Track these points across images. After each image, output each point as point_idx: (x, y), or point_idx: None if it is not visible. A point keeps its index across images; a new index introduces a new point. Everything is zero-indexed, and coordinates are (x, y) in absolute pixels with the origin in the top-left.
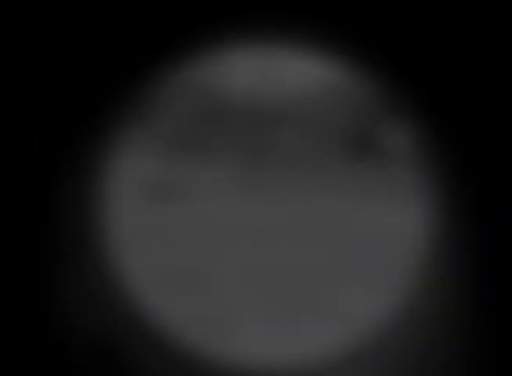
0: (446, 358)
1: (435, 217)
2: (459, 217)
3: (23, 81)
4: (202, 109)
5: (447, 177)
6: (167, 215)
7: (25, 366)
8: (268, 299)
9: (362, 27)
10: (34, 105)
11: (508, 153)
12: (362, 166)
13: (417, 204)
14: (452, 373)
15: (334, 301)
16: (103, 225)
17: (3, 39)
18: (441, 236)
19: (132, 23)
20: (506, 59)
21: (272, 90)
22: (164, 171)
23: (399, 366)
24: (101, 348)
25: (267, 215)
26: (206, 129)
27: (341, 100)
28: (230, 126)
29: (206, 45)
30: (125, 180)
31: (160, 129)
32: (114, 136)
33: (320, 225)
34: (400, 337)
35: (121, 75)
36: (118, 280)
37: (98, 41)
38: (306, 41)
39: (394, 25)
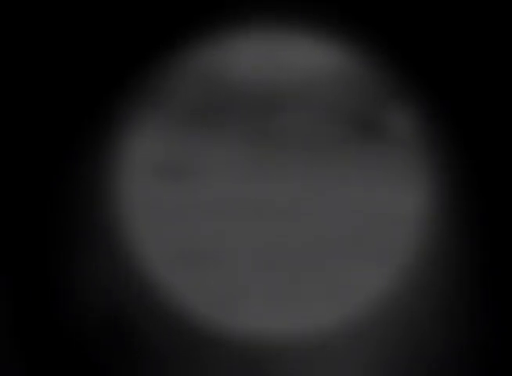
0: (444, 331)
1: (436, 197)
2: (459, 197)
3: (32, 70)
4: (210, 92)
5: (448, 160)
6: (178, 193)
7: (39, 341)
8: (274, 273)
9: (368, 12)
10: (47, 90)
11: (507, 139)
12: (367, 148)
13: (419, 185)
14: (449, 345)
15: (338, 276)
16: (116, 204)
17: (11, 30)
18: (440, 215)
19: (137, 10)
20: (508, 51)
21: (278, 74)
22: (173, 152)
23: (398, 339)
24: (113, 322)
25: (273, 193)
26: (214, 111)
27: (347, 84)
28: (237, 108)
29: (212, 30)
30: (136, 160)
31: (170, 111)
32: (125, 118)
33: (325, 203)
34: (399, 311)
35: (130, 59)
36: (130, 256)
37: (105, 28)
38: (312, 26)
39: (400, 10)
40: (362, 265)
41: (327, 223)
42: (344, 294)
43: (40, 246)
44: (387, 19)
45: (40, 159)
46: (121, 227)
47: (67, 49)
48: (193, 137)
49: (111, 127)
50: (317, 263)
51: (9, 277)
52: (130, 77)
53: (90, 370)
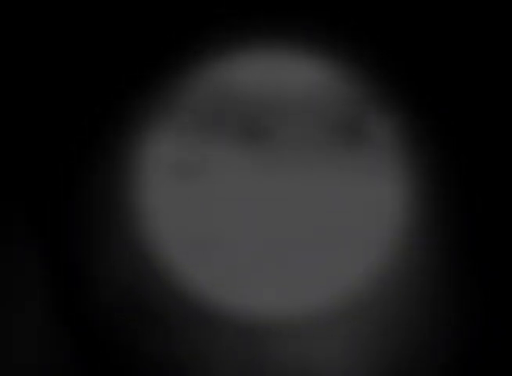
0: (427, 313)
1: (415, 192)
2: (437, 194)
3: (57, 73)
4: (217, 101)
5: (427, 159)
6: (189, 188)
7: (59, 315)
8: (272, 258)
9: (354, 27)
10: (72, 92)
11: (487, 141)
12: (351, 149)
13: (399, 182)
14: (435, 326)
15: (328, 261)
16: (134, 197)
17: (39, 35)
18: (418, 207)
19: (154, 25)
20: (479, 50)
21: (275, 85)
22: (185, 152)
23: (382, 321)
24: (130, 298)
25: (271, 189)
26: (220, 118)
27: (334, 93)
28: (240, 115)
29: (218, 46)
30: (153, 160)
31: (182, 117)
32: (143, 122)
33: (315, 197)
34: (383, 293)
35: (145, 71)
36: (147, 241)
37: (124, 40)
38: (303, 42)
39: (383, 23)
40: (348, 251)
41: (319, 215)
42: (334, 277)
43: (66, 233)
44: (372, 31)
45: (66, 160)
46: (139, 218)
47: (90, 59)
48: (202, 140)
49: (131, 131)
50: (309, 250)
51: (42, 262)
52: (145, 86)
53: (110, 339)
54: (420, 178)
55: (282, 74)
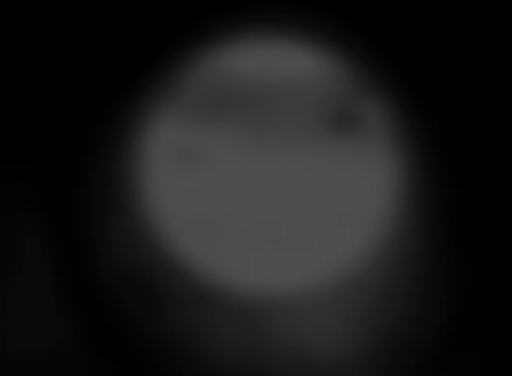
0: (419, 289)
1: (405, 176)
2: (429, 177)
3: (57, 65)
4: (215, 89)
5: (418, 144)
6: (190, 173)
7: (66, 296)
8: (270, 239)
9: (346, 13)
10: (71, 82)
11: (480, 130)
12: (346, 135)
13: (390, 167)
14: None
15: (322, 240)
16: (137, 183)
17: (37, 26)
18: (410, 191)
19: (154, 15)
20: (472, 40)
21: (271, 73)
22: (185, 139)
23: (377, 296)
24: (135, 279)
25: (268, 174)
26: (218, 106)
27: (327, 81)
28: (237, 103)
29: (217, 34)
30: (155, 146)
31: (182, 105)
32: (144, 111)
33: (310, 183)
34: (378, 271)
35: (146, 59)
36: (151, 223)
37: (125, 28)
38: (298, 31)
39: (381, 8)
40: (343, 231)
41: (316, 196)
42: (330, 256)
43: (74, 217)
44: (365, 17)
45: (66, 150)
46: (142, 203)
47: (90, 48)
48: (201, 127)
49: (132, 118)
50: (304, 230)
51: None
52: (146, 74)
53: (112, 321)
54: (413, 166)
55: (279, 62)
